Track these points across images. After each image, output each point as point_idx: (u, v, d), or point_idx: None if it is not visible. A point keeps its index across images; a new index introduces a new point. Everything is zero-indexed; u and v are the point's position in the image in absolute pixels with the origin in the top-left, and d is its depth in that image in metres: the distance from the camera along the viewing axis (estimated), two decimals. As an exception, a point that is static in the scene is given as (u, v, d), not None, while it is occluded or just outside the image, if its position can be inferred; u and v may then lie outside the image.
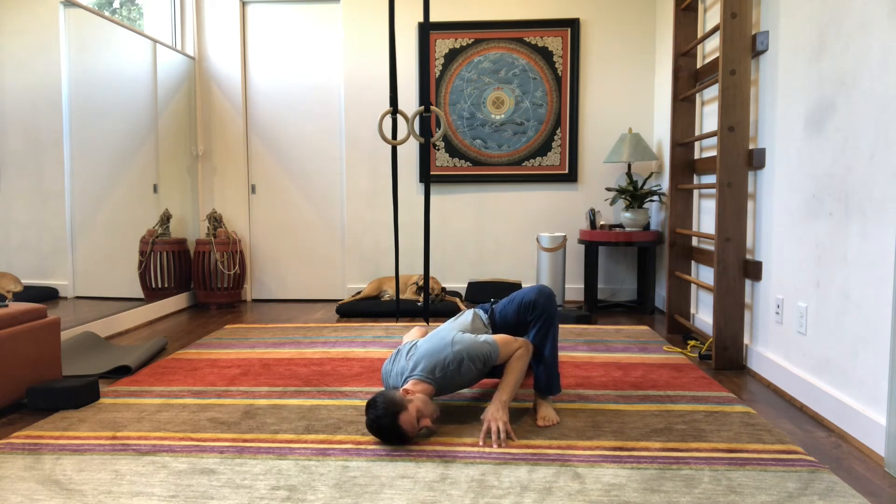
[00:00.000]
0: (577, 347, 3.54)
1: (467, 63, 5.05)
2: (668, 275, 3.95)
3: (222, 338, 3.84)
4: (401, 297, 4.71)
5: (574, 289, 5.10)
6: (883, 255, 2.09)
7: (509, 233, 5.15)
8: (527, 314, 2.50)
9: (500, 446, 2.15)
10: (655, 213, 4.86)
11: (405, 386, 2.27)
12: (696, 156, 3.88)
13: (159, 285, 4.64)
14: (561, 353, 3.40)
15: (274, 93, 5.23)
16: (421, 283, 4.67)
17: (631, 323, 4.26)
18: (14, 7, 3.30)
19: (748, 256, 3.20)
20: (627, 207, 4.62)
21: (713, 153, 3.56)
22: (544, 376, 2.47)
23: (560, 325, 4.16)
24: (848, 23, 2.31)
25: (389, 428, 2.12)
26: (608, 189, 4.59)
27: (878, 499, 1.82)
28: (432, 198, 5.16)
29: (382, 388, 2.72)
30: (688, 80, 3.87)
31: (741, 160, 3.08)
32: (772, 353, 2.93)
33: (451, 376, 2.31)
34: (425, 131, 3.46)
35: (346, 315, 4.58)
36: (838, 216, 2.36)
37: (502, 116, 5.06)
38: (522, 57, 5.01)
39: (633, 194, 4.57)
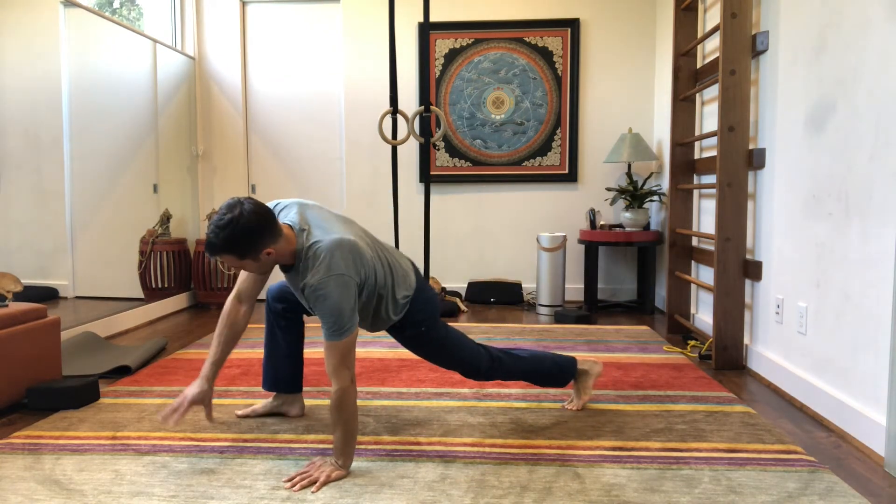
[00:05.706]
0: (576, 347, 3.54)
1: (467, 63, 5.04)
2: (668, 275, 3.95)
3: (222, 338, 3.84)
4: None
5: (574, 289, 5.10)
6: (883, 255, 2.09)
7: (509, 233, 5.15)
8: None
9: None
10: (655, 213, 4.86)
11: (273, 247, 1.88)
12: (696, 156, 3.88)
13: (159, 285, 4.64)
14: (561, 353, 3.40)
15: (274, 92, 5.23)
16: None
17: (631, 323, 4.26)
18: (14, 7, 3.30)
19: (748, 256, 3.19)
20: (627, 207, 4.62)
21: (713, 153, 3.56)
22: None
23: (560, 325, 4.16)
24: (848, 23, 2.31)
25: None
26: (608, 189, 4.59)
27: (878, 499, 1.82)
28: (432, 198, 5.16)
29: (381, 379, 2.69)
30: (688, 80, 3.87)
31: (741, 160, 3.08)
32: (772, 352, 2.93)
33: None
34: (425, 131, 3.46)
35: (346, 315, 4.57)
36: (838, 216, 2.36)
37: (502, 116, 5.06)
38: (522, 57, 5.01)
39: (633, 194, 4.57)
